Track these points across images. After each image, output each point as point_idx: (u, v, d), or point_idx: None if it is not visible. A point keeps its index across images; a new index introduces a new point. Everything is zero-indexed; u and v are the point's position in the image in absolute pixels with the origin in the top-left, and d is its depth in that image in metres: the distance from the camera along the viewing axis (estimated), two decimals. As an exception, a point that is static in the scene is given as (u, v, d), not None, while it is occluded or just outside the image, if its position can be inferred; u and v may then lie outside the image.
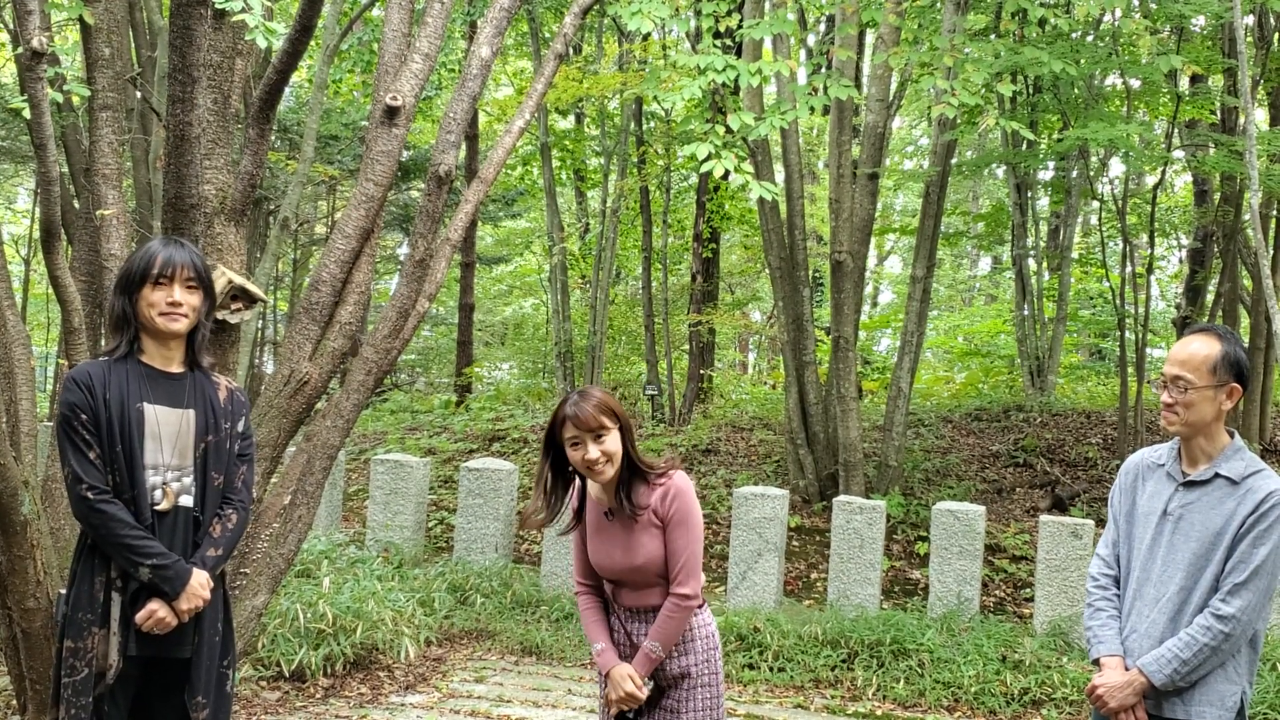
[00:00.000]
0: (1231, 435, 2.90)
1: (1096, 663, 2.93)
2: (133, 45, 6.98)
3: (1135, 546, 2.95)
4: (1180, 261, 17.08)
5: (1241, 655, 2.81)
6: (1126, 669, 2.86)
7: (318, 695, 5.47)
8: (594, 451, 2.83)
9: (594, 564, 3.01)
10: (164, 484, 2.90)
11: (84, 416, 2.83)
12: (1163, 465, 2.97)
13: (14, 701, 4.11)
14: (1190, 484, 2.87)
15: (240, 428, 3.06)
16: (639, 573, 2.95)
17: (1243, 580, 2.73)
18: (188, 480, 2.93)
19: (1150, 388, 2.96)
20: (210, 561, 2.94)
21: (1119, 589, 2.98)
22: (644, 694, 2.92)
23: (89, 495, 2.80)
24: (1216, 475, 2.84)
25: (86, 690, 2.83)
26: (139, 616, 2.84)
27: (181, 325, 2.93)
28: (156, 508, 2.88)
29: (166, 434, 2.91)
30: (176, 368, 2.99)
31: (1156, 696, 2.81)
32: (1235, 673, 2.80)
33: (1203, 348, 2.83)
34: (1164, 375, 2.86)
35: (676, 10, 7.22)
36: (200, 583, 2.89)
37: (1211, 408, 2.82)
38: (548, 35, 15.48)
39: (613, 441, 2.86)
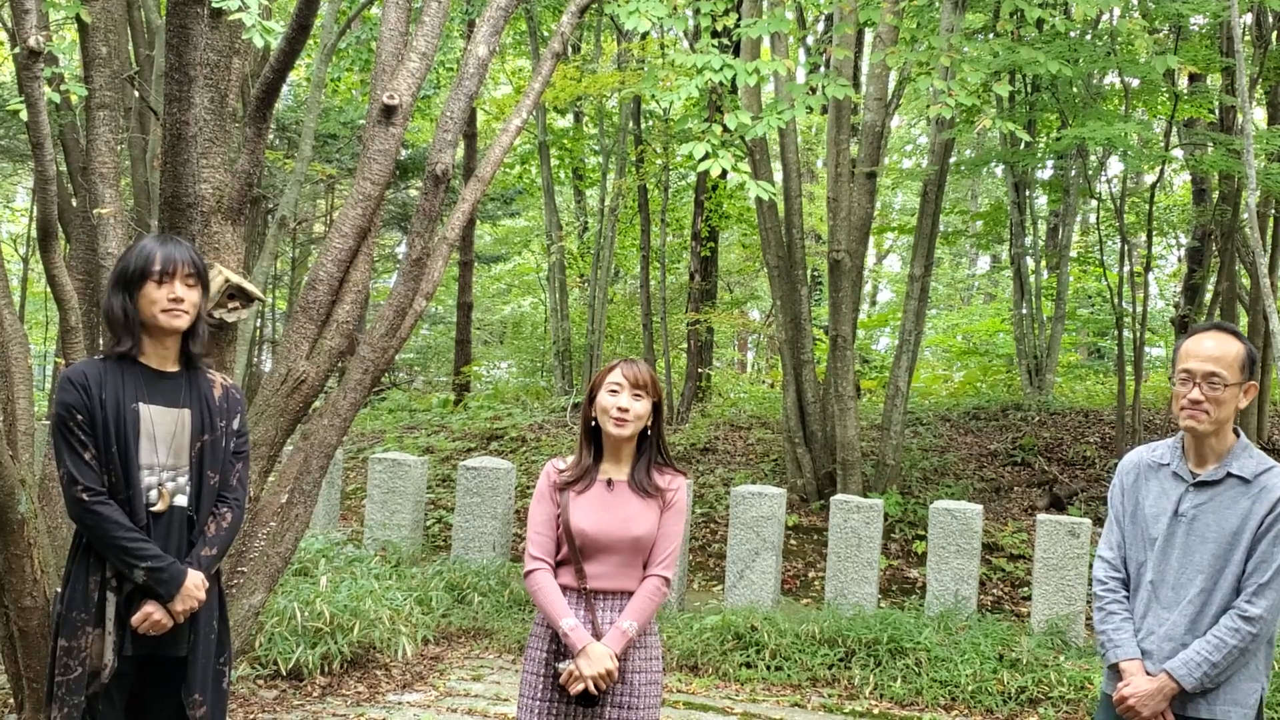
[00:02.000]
0: (1237, 434, 2.88)
1: (1114, 668, 2.90)
2: (130, 44, 6.97)
3: (1145, 548, 2.91)
4: (1179, 260, 17.09)
5: (1260, 653, 2.80)
6: (1147, 673, 2.84)
7: (315, 694, 5.47)
8: (626, 400, 2.96)
9: (581, 531, 2.94)
10: (159, 484, 2.89)
11: (80, 417, 2.82)
12: (1166, 464, 2.93)
13: (11, 700, 4.12)
14: (1202, 484, 2.84)
15: (236, 426, 3.06)
16: (634, 545, 2.95)
17: (1266, 580, 2.73)
18: (183, 480, 2.93)
19: (1171, 384, 2.91)
20: (205, 561, 2.93)
21: (1128, 590, 2.95)
22: (617, 673, 2.90)
23: (84, 497, 2.80)
24: (1228, 474, 2.82)
25: (80, 689, 2.83)
26: (135, 619, 2.84)
27: (183, 322, 2.92)
28: (152, 508, 2.87)
29: (162, 434, 2.90)
30: (172, 366, 2.98)
31: (1181, 697, 2.80)
32: (1256, 670, 2.80)
33: (1230, 344, 2.81)
34: (1190, 372, 2.80)
35: (674, 9, 7.22)
36: (195, 583, 2.88)
37: (1234, 405, 2.81)
38: (546, 34, 15.47)
39: (643, 408, 2.99)
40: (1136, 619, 2.91)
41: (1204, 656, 2.74)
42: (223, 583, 3.15)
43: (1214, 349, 2.80)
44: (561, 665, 2.91)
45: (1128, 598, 2.95)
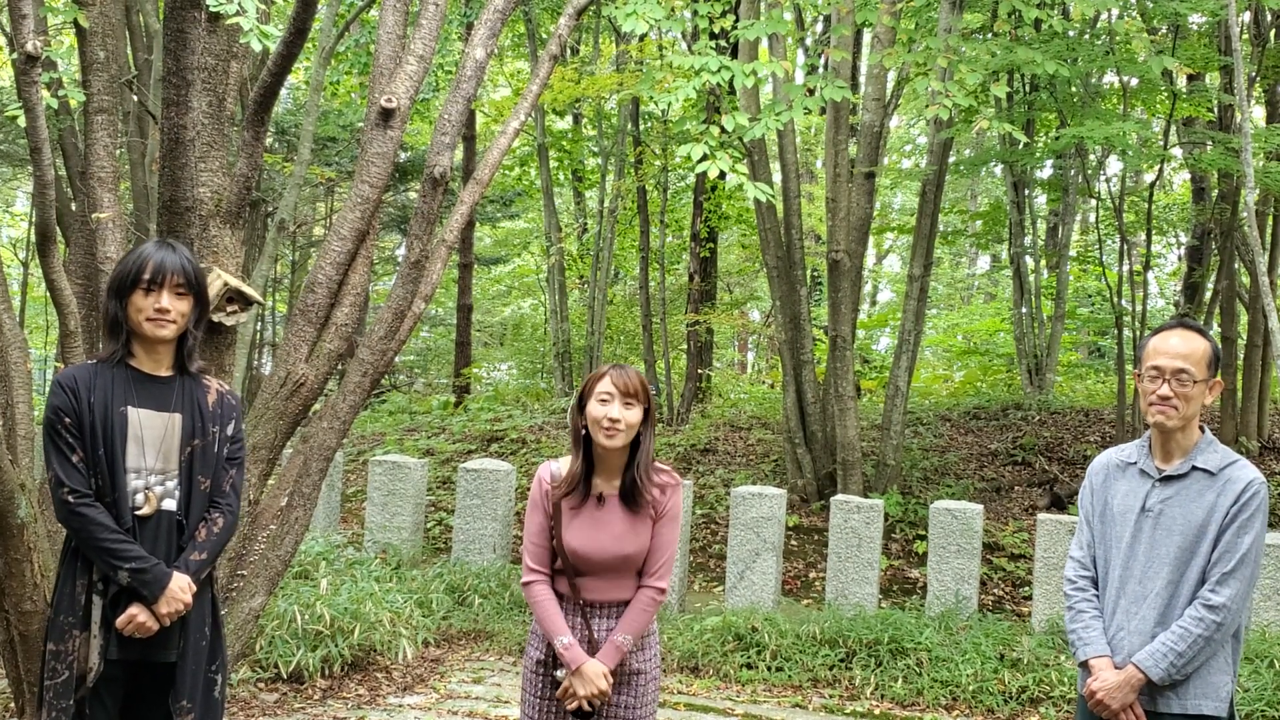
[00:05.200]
0: (1203, 430, 2.93)
1: (1084, 665, 2.93)
2: (128, 48, 6.98)
3: (1113, 545, 2.95)
4: (1178, 259, 17.09)
5: (1228, 647, 2.83)
6: (1116, 668, 2.86)
7: (316, 697, 5.47)
8: (617, 411, 2.91)
9: (573, 550, 2.94)
10: (146, 488, 2.89)
11: (68, 420, 2.83)
12: (1134, 463, 2.98)
13: (11, 705, 4.12)
14: (1168, 479, 2.89)
15: (230, 431, 3.04)
16: (625, 562, 2.94)
17: (1230, 569, 2.76)
18: (171, 484, 2.92)
19: (1139, 381, 3.00)
20: (193, 565, 2.92)
21: (1097, 590, 2.99)
22: (611, 691, 2.90)
23: (69, 499, 2.81)
24: (1194, 468, 2.87)
25: (67, 693, 2.83)
26: (119, 621, 2.84)
27: (168, 332, 2.92)
28: (138, 512, 2.87)
29: (150, 438, 2.90)
30: (165, 371, 2.98)
31: (1151, 692, 2.82)
32: (1225, 663, 2.83)
33: (1197, 342, 2.86)
34: (1159, 369, 2.85)
35: (671, 11, 7.22)
36: (180, 587, 2.87)
37: (1201, 401, 2.86)
38: (545, 36, 15.48)
39: (634, 416, 2.94)
40: (1107, 616, 2.94)
41: (1169, 647, 2.77)
42: (217, 590, 3.13)
43: (1181, 346, 2.85)
44: (559, 674, 2.92)
45: (1097, 596, 2.98)
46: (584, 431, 2.99)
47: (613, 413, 2.91)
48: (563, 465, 3.06)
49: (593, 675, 2.87)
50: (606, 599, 2.97)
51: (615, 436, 2.92)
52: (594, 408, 2.95)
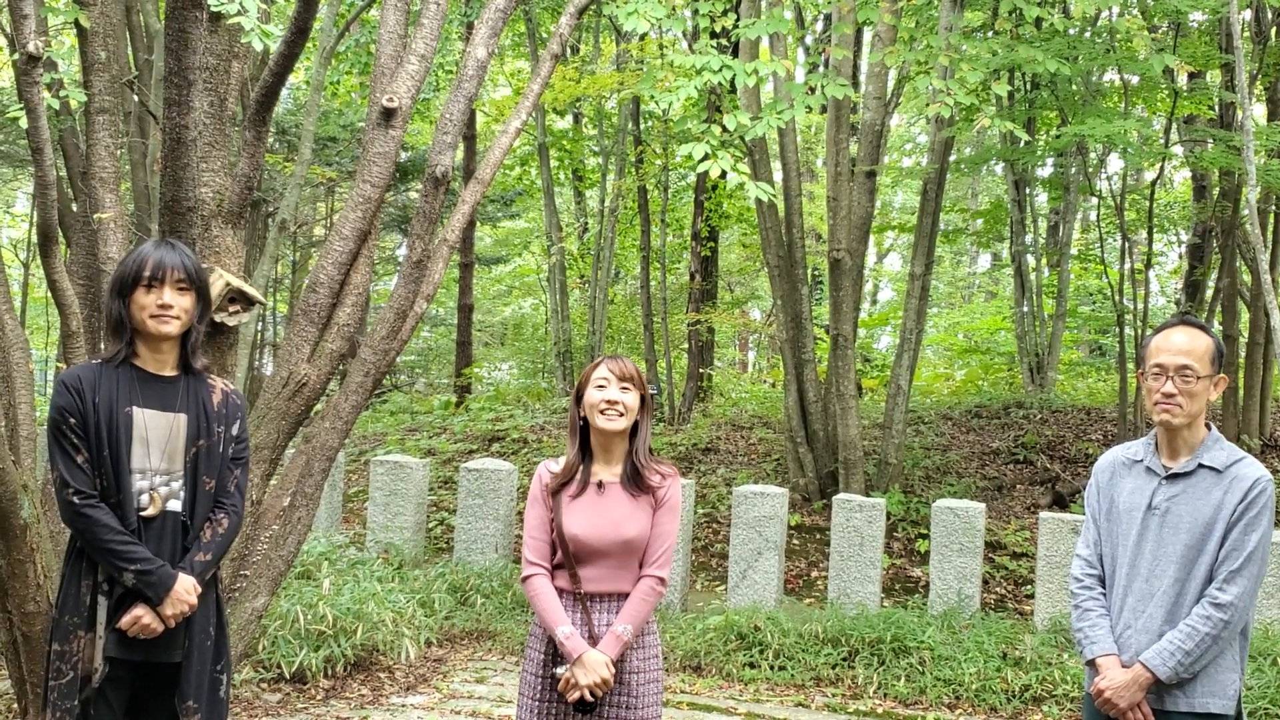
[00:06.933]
0: (1209, 427, 2.92)
1: (1091, 664, 2.93)
2: (129, 49, 6.98)
3: (1120, 543, 2.94)
4: (1179, 257, 17.08)
5: (1235, 645, 2.83)
6: (1124, 666, 2.86)
7: (318, 697, 5.47)
8: (614, 394, 2.95)
9: (574, 536, 2.93)
10: (151, 489, 2.88)
11: (72, 420, 2.82)
12: (1140, 461, 2.97)
13: (15, 705, 4.12)
14: (1174, 476, 2.88)
15: (235, 431, 3.03)
16: (626, 548, 2.94)
17: (1237, 567, 2.76)
18: (176, 485, 2.92)
19: (1143, 379, 2.99)
20: (198, 567, 2.91)
21: (1104, 588, 2.98)
22: (613, 680, 2.88)
23: (75, 500, 2.80)
24: (1200, 466, 2.86)
25: (72, 693, 2.82)
26: (124, 622, 2.83)
27: (173, 328, 2.91)
28: (143, 513, 2.87)
29: (155, 438, 2.89)
30: (170, 371, 2.97)
31: (1158, 690, 2.81)
32: (1233, 661, 2.83)
33: (1200, 338, 2.85)
34: (1163, 366, 2.84)
35: (672, 10, 7.21)
36: (186, 588, 2.86)
37: (1205, 397, 2.85)
38: (545, 35, 15.47)
39: (632, 400, 2.98)
40: (1114, 614, 2.93)
41: (1177, 645, 2.76)
42: (220, 589, 3.12)
43: (1185, 343, 2.84)
44: (559, 670, 2.90)
45: (1104, 594, 2.97)
46: (582, 420, 3.01)
47: (610, 395, 2.95)
48: (562, 463, 3.07)
49: (594, 664, 2.85)
50: (607, 590, 2.96)
51: (614, 419, 2.95)
52: (591, 394, 2.97)
